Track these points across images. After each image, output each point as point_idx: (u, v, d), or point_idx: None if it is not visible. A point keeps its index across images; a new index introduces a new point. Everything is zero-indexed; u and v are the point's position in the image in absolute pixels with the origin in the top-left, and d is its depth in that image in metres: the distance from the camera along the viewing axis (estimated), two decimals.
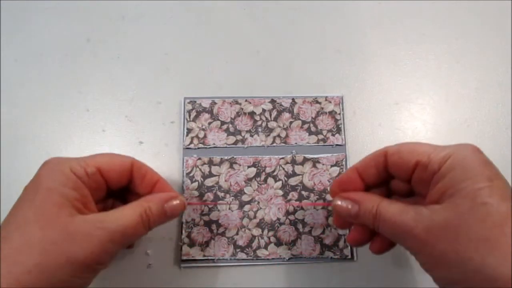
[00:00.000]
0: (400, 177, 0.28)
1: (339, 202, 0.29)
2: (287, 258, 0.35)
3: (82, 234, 0.25)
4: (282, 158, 0.38)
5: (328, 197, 0.37)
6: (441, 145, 0.26)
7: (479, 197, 0.23)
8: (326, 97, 0.39)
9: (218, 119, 0.39)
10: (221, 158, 0.38)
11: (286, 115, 0.39)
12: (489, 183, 0.23)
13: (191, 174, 0.37)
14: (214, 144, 0.38)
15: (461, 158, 0.24)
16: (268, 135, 0.38)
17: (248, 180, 0.37)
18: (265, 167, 0.37)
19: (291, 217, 0.36)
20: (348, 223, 0.31)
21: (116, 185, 0.30)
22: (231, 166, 0.37)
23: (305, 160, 0.38)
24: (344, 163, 0.38)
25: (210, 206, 0.36)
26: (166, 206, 0.29)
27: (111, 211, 0.28)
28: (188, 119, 0.38)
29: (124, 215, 0.27)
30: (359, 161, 0.30)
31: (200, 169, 0.37)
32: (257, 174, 0.37)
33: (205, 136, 0.38)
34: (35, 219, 0.25)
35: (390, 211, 0.26)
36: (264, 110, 0.39)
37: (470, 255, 0.22)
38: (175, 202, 0.30)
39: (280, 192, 0.37)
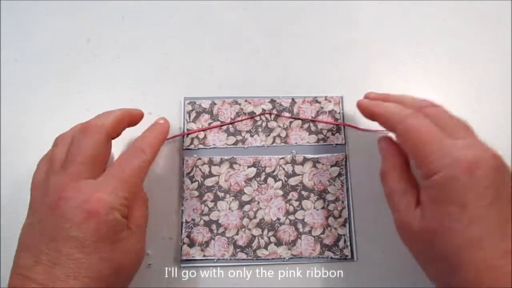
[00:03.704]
0: None
1: (380, 142, 0.34)
2: (287, 258, 0.35)
3: None
4: (282, 158, 0.38)
5: (328, 197, 0.37)
6: (446, 144, 0.27)
7: (447, 221, 0.25)
8: (325, 97, 0.40)
9: (218, 120, 0.39)
10: (221, 158, 0.38)
11: (286, 115, 0.39)
12: (460, 209, 0.25)
13: (191, 174, 0.37)
14: (214, 144, 0.38)
15: (445, 179, 0.26)
16: (268, 135, 0.38)
17: (248, 180, 0.37)
18: (265, 167, 0.37)
19: (291, 217, 0.36)
20: None
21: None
22: (231, 166, 0.37)
23: (305, 160, 0.38)
24: (344, 163, 0.38)
25: (210, 206, 0.36)
26: None
27: None
28: (188, 120, 0.38)
29: None
30: None
31: (200, 169, 0.37)
32: (257, 174, 0.37)
33: (205, 137, 0.38)
34: None
35: (391, 186, 0.30)
36: (264, 110, 0.39)
37: (432, 265, 0.27)
38: None
39: (280, 192, 0.37)
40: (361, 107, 0.34)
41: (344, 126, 0.39)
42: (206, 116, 0.39)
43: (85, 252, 0.25)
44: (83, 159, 0.28)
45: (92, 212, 0.26)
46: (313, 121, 0.39)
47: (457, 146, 0.26)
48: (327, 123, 0.39)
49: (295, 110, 0.39)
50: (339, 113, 0.39)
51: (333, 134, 0.39)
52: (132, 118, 0.33)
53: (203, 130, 0.38)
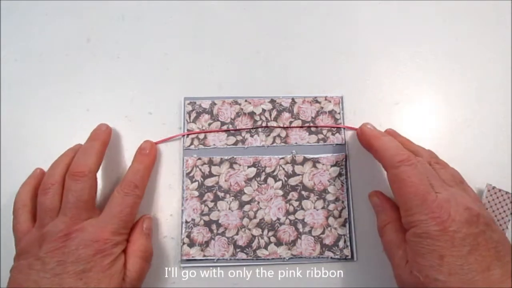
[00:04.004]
0: None
1: (373, 197, 0.35)
2: (287, 258, 0.35)
3: None
4: (282, 158, 0.38)
5: (328, 197, 0.37)
6: (427, 200, 0.28)
7: (430, 273, 0.26)
8: (325, 97, 0.40)
9: (218, 120, 0.39)
10: (221, 158, 0.38)
11: (286, 115, 0.39)
12: (439, 261, 0.26)
13: (191, 174, 0.37)
14: (214, 145, 0.38)
15: (421, 232, 0.27)
16: (268, 135, 0.38)
17: (248, 180, 0.37)
18: (265, 167, 0.37)
19: (291, 217, 0.36)
20: None
21: None
22: (231, 166, 0.37)
23: (305, 160, 0.38)
24: (344, 163, 0.38)
25: (210, 206, 0.36)
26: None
27: None
28: (188, 120, 0.38)
29: None
30: None
31: (200, 169, 0.37)
32: (257, 174, 0.37)
33: (205, 137, 0.38)
34: None
35: (388, 238, 0.31)
36: (264, 110, 0.39)
37: None
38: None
39: (280, 192, 0.37)
40: (360, 132, 0.35)
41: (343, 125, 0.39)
42: (206, 116, 0.39)
43: (87, 283, 0.29)
44: (80, 204, 0.31)
45: (100, 249, 0.30)
46: (312, 127, 0.39)
47: (436, 201, 0.28)
48: (326, 127, 0.39)
49: (295, 110, 0.39)
50: (339, 113, 0.39)
51: (333, 134, 0.39)
52: (106, 145, 0.35)
53: (204, 133, 0.38)
